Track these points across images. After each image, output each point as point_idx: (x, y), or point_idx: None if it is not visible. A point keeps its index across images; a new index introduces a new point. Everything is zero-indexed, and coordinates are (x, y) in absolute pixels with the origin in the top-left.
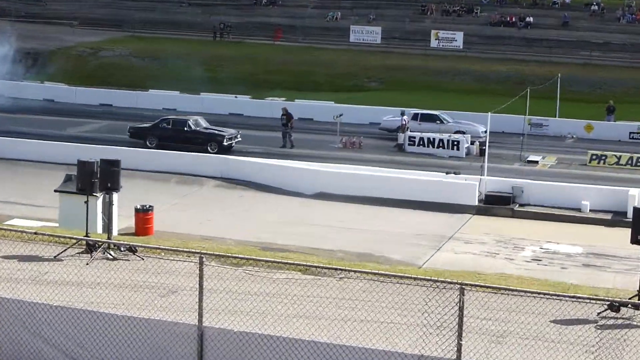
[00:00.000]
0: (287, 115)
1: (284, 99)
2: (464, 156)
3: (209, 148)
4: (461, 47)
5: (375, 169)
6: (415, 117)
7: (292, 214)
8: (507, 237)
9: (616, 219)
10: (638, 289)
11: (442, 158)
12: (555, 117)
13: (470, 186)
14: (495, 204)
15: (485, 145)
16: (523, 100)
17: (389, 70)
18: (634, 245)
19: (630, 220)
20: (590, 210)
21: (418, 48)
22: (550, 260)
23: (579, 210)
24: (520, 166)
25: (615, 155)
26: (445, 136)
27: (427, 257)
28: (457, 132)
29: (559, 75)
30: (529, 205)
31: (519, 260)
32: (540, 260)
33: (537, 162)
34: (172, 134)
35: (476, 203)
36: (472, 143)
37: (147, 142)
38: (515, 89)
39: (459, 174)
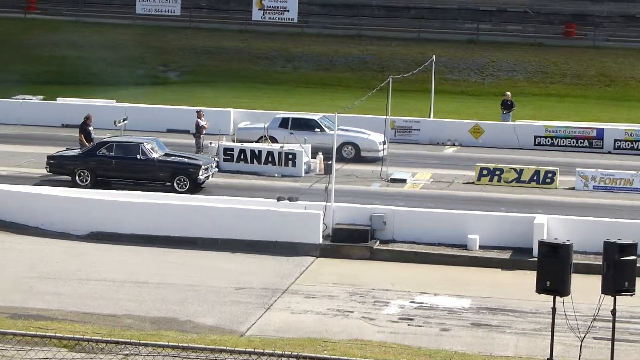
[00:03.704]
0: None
1: (41, 97)
2: (302, 175)
3: (176, 185)
4: (296, 20)
5: (176, 196)
6: (284, 123)
7: (55, 265)
8: (365, 287)
9: (517, 258)
10: (549, 356)
11: (272, 178)
12: (429, 116)
13: (311, 217)
14: (347, 241)
15: (331, 159)
16: (383, 94)
17: (195, 55)
18: (542, 294)
19: (536, 259)
20: (480, 247)
21: (236, 22)
22: (426, 319)
23: (464, 247)
24: (381, 187)
25: (515, 169)
26: (275, 148)
27: (253, 320)
28: (345, 143)
29: (434, 58)
30: (394, 241)
31: (382, 319)
32: (411, 319)
33: (404, 180)
34: (117, 166)
35: (320, 240)
36: (314, 156)
37: (77, 179)
38: (372, 79)
39: (296, 200)
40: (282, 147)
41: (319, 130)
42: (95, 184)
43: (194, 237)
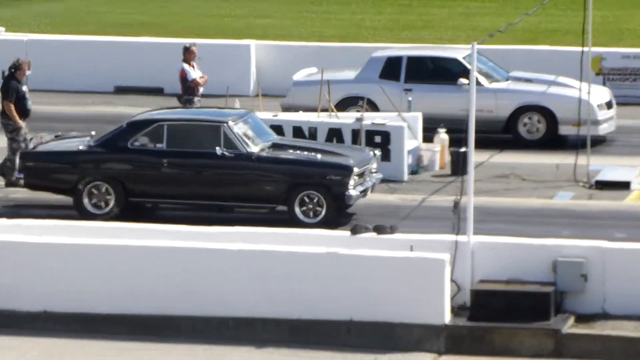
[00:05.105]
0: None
1: None
2: (405, 177)
3: (298, 209)
4: None
5: (133, 229)
6: (390, 69)
7: None
8: None
9: None
10: None
11: None
12: None
13: (426, 267)
14: (505, 319)
15: (466, 145)
16: (575, 4)
17: None
18: None
19: None
20: None
21: None
22: None
23: None
24: (576, 199)
25: None
26: (344, 121)
27: None
28: (525, 109)
29: None
30: (606, 316)
31: None
32: None
33: (626, 185)
34: (175, 174)
35: (446, 319)
36: (432, 138)
37: (85, 201)
38: None
39: (392, 231)
40: (359, 119)
41: (466, 81)
42: (124, 211)
43: (175, 317)
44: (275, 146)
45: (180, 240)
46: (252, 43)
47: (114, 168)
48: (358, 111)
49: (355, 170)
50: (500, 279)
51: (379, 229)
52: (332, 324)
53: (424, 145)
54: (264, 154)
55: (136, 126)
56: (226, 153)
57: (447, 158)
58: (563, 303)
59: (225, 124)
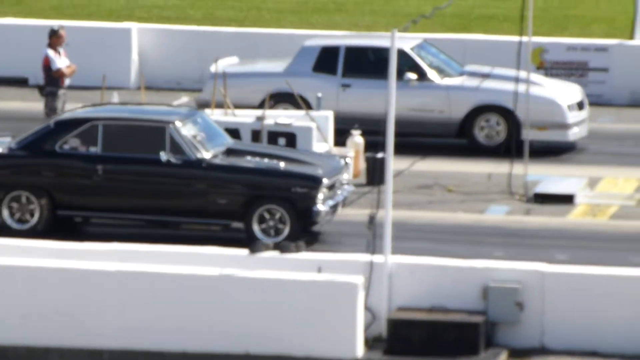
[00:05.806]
0: None
1: None
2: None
3: (255, 226)
4: None
5: (17, 244)
6: (325, 60)
7: None
8: None
9: None
10: None
11: None
12: (633, 36)
13: (336, 293)
14: (426, 353)
15: (384, 150)
16: None
17: None
18: None
19: None
20: None
21: None
22: None
23: None
24: (511, 215)
25: None
26: (243, 120)
27: None
28: (481, 110)
29: None
30: (545, 352)
31: None
32: None
33: (569, 198)
34: (111, 183)
35: (359, 353)
36: (344, 141)
37: (5, 214)
38: None
39: (298, 249)
40: (260, 117)
41: (414, 76)
42: (52, 226)
43: (40, 348)
44: (230, 152)
45: (50, 259)
46: (134, 26)
47: (38, 175)
48: (310, 110)
49: (325, 181)
50: (421, 307)
51: (281, 248)
52: (226, 358)
53: (336, 150)
54: (216, 160)
55: (66, 126)
56: (172, 159)
57: (362, 165)
58: (495, 335)
59: (171, 125)
